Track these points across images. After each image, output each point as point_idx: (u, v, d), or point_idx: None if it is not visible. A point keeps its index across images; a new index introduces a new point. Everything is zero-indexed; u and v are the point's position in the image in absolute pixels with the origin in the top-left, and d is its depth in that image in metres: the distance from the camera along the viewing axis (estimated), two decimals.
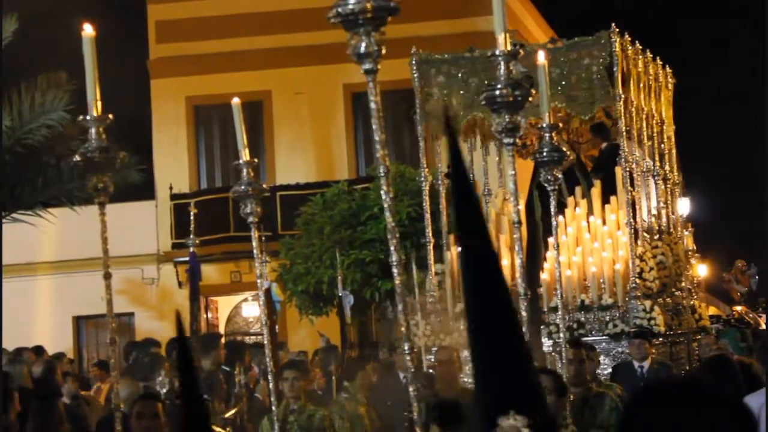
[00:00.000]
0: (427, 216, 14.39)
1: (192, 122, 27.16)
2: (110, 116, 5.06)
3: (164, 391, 10.46)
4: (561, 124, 13.64)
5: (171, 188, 25.86)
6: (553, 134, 6.71)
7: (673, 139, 16.18)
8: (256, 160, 6.18)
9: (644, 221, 14.49)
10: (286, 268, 21.41)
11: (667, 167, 15.70)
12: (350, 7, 3.56)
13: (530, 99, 5.28)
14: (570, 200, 14.23)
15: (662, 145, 15.65)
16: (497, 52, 4.97)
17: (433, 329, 13.71)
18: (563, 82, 13.79)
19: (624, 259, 13.62)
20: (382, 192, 3.62)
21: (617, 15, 14.52)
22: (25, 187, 21.28)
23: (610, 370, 12.55)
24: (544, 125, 6.65)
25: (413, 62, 14.49)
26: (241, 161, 6.00)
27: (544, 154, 6.65)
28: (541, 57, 6.76)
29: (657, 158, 15.33)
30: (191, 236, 11.33)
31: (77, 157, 5.02)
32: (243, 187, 5.95)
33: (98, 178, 4.99)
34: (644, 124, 14.84)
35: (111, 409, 6.15)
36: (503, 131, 5.11)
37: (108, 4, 22.65)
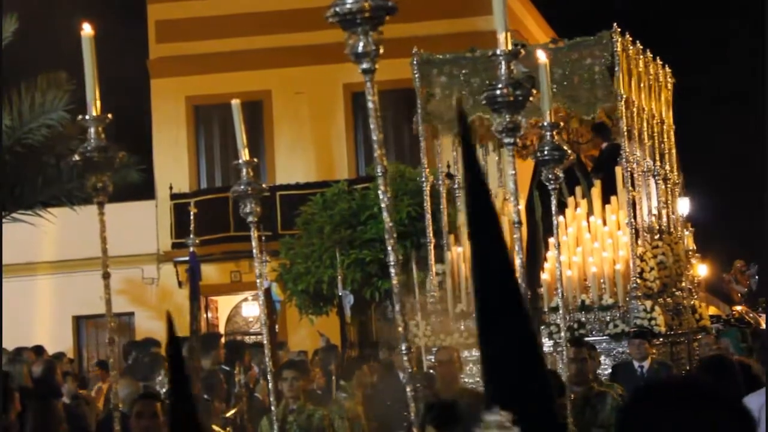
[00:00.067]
0: (428, 216, 14.39)
1: (192, 122, 27.16)
2: (109, 116, 5.05)
3: (164, 390, 10.45)
4: (562, 123, 13.63)
5: (171, 188, 25.87)
6: (554, 133, 6.71)
7: (673, 139, 16.18)
8: (255, 159, 6.18)
9: (644, 221, 14.49)
10: (286, 268, 21.41)
11: (667, 167, 15.70)
12: (348, 6, 3.55)
13: (531, 99, 5.28)
14: (570, 200, 14.22)
15: (662, 145, 15.65)
16: (498, 52, 4.96)
17: (433, 329, 13.71)
18: (565, 83, 13.79)
19: (624, 259, 13.61)
20: (379, 192, 3.61)
21: (617, 15, 14.52)
22: (25, 187, 21.28)
23: (610, 370, 12.55)
24: (545, 124, 6.64)
25: (414, 62, 14.49)
26: (240, 161, 6.00)
27: (545, 152, 6.64)
28: (542, 56, 6.75)
29: (657, 158, 15.33)
30: (191, 236, 11.32)
31: (76, 157, 5.02)
32: (242, 187, 5.95)
33: (97, 178, 4.98)
34: (645, 124, 14.84)
35: (110, 409, 6.15)
36: (504, 131, 5.10)
37: (108, 4, 22.64)
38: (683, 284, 14.91)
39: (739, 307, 23.24)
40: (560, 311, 8.26)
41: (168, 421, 2.37)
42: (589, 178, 14.90)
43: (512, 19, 21.67)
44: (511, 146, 5.27)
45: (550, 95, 6.64)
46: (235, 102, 6.13)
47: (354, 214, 20.97)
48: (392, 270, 3.58)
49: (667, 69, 15.93)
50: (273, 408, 6.52)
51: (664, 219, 15.22)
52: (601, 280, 13.52)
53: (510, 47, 5.00)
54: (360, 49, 3.59)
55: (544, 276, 13.61)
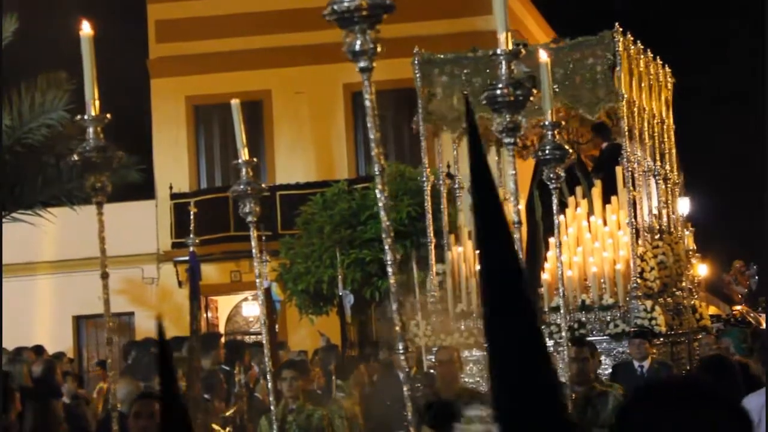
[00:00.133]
0: (429, 216, 14.38)
1: (192, 122, 27.16)
2: (108, 116, 5.05)
3: None
4: (563, 123, 13.62)
5: (171, 188, 25.87)
6: (555, 132, 6.70)
7: (673, 139, 16.18)
8: (255, 159, 6.18)
9: (645, 221, 14.48)
10: (286, 268, 21.41)
11: (667, 167, 15.70)
12: (346, 4, 3.55)
13: (531, 99, 5.27)
14: (571, 200, 14.22)
15: (663, 145, 15.65)
16: (498, 52, 4.96)
17: (433, 329, 13.70)
18: (566, 82, 13.78)
19: (625, 258, 13.61)
20: (377, 191, 3.61)
21: (617, 15, 14.52)
22: (25, 187, 21.27)
23: (610, 370, 12.55)
24: (547, 123, 6.64)
25: (416, 62, 14.48)
26: (240, 161, 6.00)
27: (547, 151, 6.64)
28: (544, 55, 6.75)
29: (657, 158, 15.33)
30: (191, 236, 11.30)
31: (75, 157, 5.01)
32: (242, 187, 5.95)
33: (96, 178, 4.98)
34: (645, 124, 14.83)
35: (109, 409, 6.14)
36: (504, 131, 5.10)
37: (108, 4, 22.64)
38: (683, 284, 14.90)
39: (739, 307, 23.22)
40: (561, 311, 8.25)
41: (159, 423, 2.35)
42: (590, 177, 14.89)
43: (512, 19, 21.63)
44: (512, 146, 5.27)
45: (551, 94, 6.64)
46: (235, 102, 6.13)
47: (354, 214, 20.97)
48: (390, 269, 3.58)
49: (667, 69, 15.93)
50: (272, 408, 6.52)
51: (665, 219, 15.22)
52: (602, 280, 13.51)
53: (511, 47, 5.00)
54: (357, 47, 3.58)
55: (545, 276, 13.60)
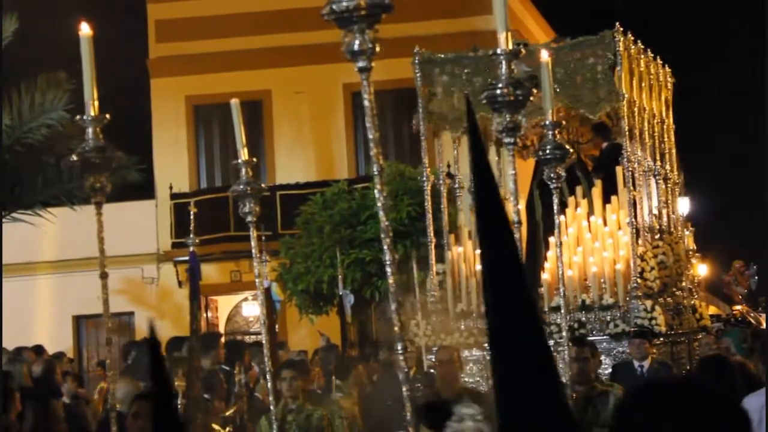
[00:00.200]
0: (429, 215, 14.38)
1: (192, 122, 27.16)
2: (107, 116, 5.04)
3: None
4: (564, 122, 13.62)
5: (171, 188, 25.86)
6: (556, 132, 6.70)
7: (673, 139, 16.18)
8: (255, 159, 6.18)
9: (645, 221, 14.48)
10: (286, 268, 21.41)
11: (667, 167, 15.70)
12: (344, 4, 3.54)
13: (531, 99, 5.27)
14: (571, 200, 14.21)
15: (663, 145, 15.65)
16: (498, 51, 4.95)
17: (433, 329, 13.70)
18: (567, 82, 13.77)
19: (625, 258, 13.60)
20: (375, 191, 3.60)
21: (617, 15, 14.52)
22: (25, 187, 21.27)
23: (610, 369, 12.54)
24: (547, 122, 6.64)
25: (416, 61, 14.47)
26: (239, 160, 6.00)
27: (547, 151, 6.64)
28: (545, 55, 6.75)
29: (657, 158, 15.33)
30: (191, 235, 11.29)
31: (74, 157, 5.01)
32: (242, 187, 5.95)
33: (95, 178, 4.97)
34: (646, 124, 14.83)
35: (108, 409, 6.14)
36: (504, 131, 5.10)
37: (108, 4, 22.65)
38: (683, 284, 14.90)
39: (739, 307, 23.21)
40: (562, 311, 8.24)
41: (152, 423, 2.35)
42: (590, 177, 14.89)
43: (512, 18, 21.63)
44: (511, 146, 5.27)
45: (552, 94, 6.64)
46: (234, 101, 6.13)
47: (354, 214, 20.97)
48: (389, 269, 3.58)
49: (667, 69, 15.92)
50: (272, 408, 6.51)
51: (665, 219, 15.22)
52: (602, 280, 13.51)
53: (511, 47, 5.00)
54: (356, 47, 3.58)
55: (545, 276, 13.60)
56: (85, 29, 4.99)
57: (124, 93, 23.81)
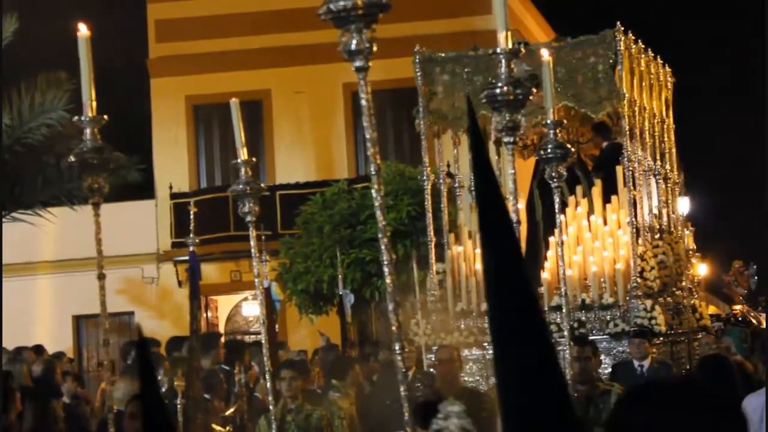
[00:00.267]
0: (429, 214, 14.37)
1: (192, 121, 27.15)
2: (105, 117, 5.04)
3: (163, 390, 10.44)
4: (566, 121, 13.62)
5: (171, 187, 25.86)
6: (557, 131, 6.70)
7: (673, 139, 16.18)
8: (254, 159, 6.18)
9: (645, 220, 14.48)
10: (286, 267, 21.41)
11: (668, 166, 15.70)
12: (341, 3, 3.54)
13: (531, 98, 5.27)
14: (571, 199, 14.21)
15: (663, 145, 15.65)
16: (498, 50, 4.96)
17: (433, 328, 13.70)
18: (568, 81, 13.77)
19: (625, 258, 13.60)
20: (373, 190, 3.60)
21: (617, 15, 14.50)
22: (25, 187, 21.28)
23: (610, 369, 12.55)
24: (548, 121, 6.64)
25: (416, 60, 14.46)
26: (239, 160, 6.00)
27: (549, 150, 6.64)
28: (546, 54, 6.75)
29: (658, 157, 15.33)
30: (191, 235, 11.28)
31: (72, 158, 5.00)
32: (241, 186, 5.95)
33: (93, 179, 4.97)
34: (646, 124, 14.83)
35: (111, 408, 6.14)
36: (503, 130, 5.10)
37: (108, 4, 22.65)
38: (683, 283, 14.90)
39: (739, 307, 23.21)
40: (563, 310, 8.24)
41: (141, 424, 2.34)
42: (590, 177, 14.89)
43: (512, 18, 21.63)
44: (511, 145, 5.27)
45: (553, 93, 6.64)
46: (234, 101, 6.13)
47: (354, 214, 20.97)
48: (386, 269, 3.57)
49: (668, 68, 15.92)
50: (271, 407, 6.51)
51: (665, 218, 15.22)
52: (602, 279, 13.51)
53: (511, 46, 5.00)
54: (353, 46, 3.58)
55: (545, 275, 13.60)
56: (83, 30, 4.98)
57: (124, 93, 23.83)
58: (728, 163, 36.68)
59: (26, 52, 20.96)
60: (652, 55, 15.22)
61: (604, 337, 13.16)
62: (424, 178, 14.49)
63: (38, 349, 15.90)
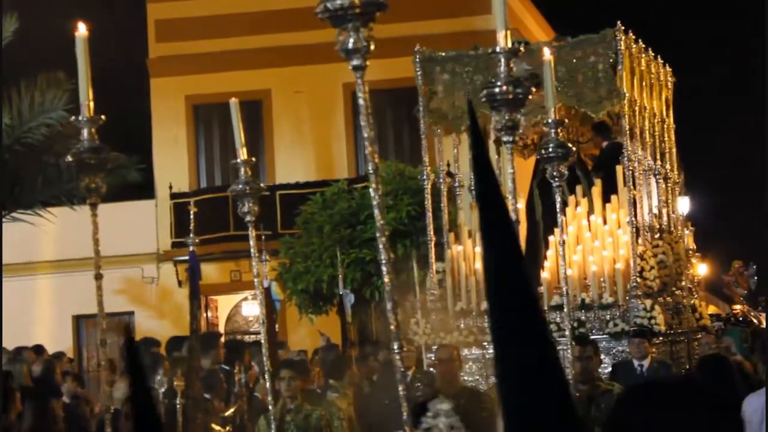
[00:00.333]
0: (429, 214, 14.38)
1: (192, 121, 27.15)
2: (103, 117, 5.03)
3: (162, 390, 10.44)
4: (567, 120, 13.63)
5: (171, 187, 25.86)
6: (557, 130, 6.70)
7: (673, 138, 16.18)
8: (254, 158, 6.18)
9: (645, 220, 14.48)
10: (286, 267, 21.41)
11: (668, 166, 15.70)
12: (338, 2, 3.54)
13: (531, 97, 5.27)
14: (571, 199, 14.21)
15: (663, 144, 15.65)
16: (498, 49, 4.96)
17: (433, 327, 13.70)
18: (568, 81, 13.77)
19: (625, 257, 13.60)
20: (371, 190, 3.60)
21: (617, 15, 14.49)
22: (25, 186, 21.27)
23: (610, 368, 12.55)
24: (550, 121, 6.64)
25: (417, 60, 14.46)
26: (238, 160, 6.00)
27: (550, 149, 6.64)
28: (547, 53, 6.75)
29: (658, 157, 15.32)
30: (191, 235, 11.29)
31: (69, 158, 5.00)
32: (240, 186, 5.95)
33: (90, 179, 4.96)
34: (646, 123, 14.83)
35: (109, 409, 6.14)
36: (503, 129, 5.10)
37: (108, 4, 22.65)
38: (683, 283, 14.89)
39: (739, 306, 23.20)
40: (565, 309, 8.24)
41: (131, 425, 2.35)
42: (590, 176, 14.88)
43: (512, 18, 21.65)
44: (510, 144, 5.27)
45: (554, 92, 6.64)
46: (233, 101, 6.13)
47: (354, 214, 20.97)
48: (384, 268, 3.57)
49: (668, 68, 15.92)
50: (270, 407, 6.51)
51: (665, 218, 15.21)
52: (601, 279, 13.51)
53: (510, 45, 5.00)
54: (350, 45, 3.57)
55: (544, 275, 13.60)
56: (81, 30, 4.98)
57: (124, 93, 23.82)
58: (728, 163, 36.69)
59: (26, 52, 20.96)
60: (653, 54, 15.21)
61: (604, 336, 13.16)
62: (424, 177, 14.49)
63: (38, 349, 15.89)
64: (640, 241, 13.93)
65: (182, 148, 26.99)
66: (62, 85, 21.17)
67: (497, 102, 5.03)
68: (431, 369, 11.48)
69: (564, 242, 7.95)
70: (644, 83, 14.80)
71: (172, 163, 26.63)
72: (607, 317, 13.28)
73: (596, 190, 14.20)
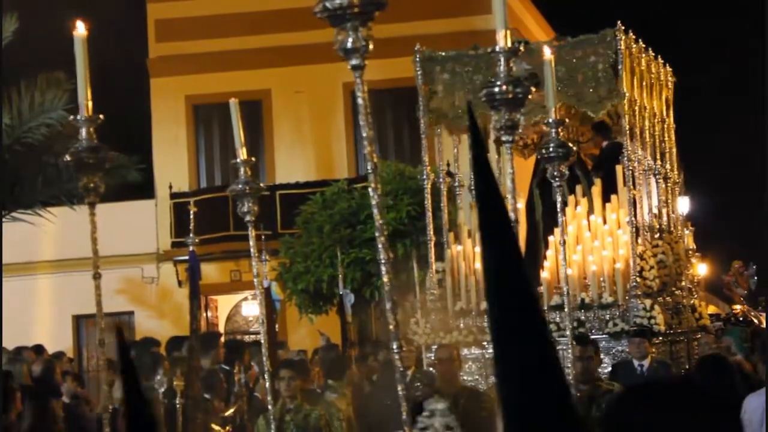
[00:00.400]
0: (429, 213, 14.38)
1: (191, 121, 27.16)
2: (101, 116, 5.03)
3: (162, 390, 10.45)
4: (568, 119, 13.63)
5: (171, 187, 25.86)
6: (558, 130, 6.70)
7: (673, 138, 16.18)
8: (253, 158, 6.18)
9: (645, 220, 14.47)
10: (286, 267, 21.41)
11: (668, 166, 15.69)
12: (337, 1, 3.54)
13: (530, 97, 5.27)
14: (571, 198, 14.20)
15: (663, 144, 15.64)
16: (497, 49, 4.96)
17: (433, 327, 13.70)
18: (568, 80, 13.76)
19: (624, 257, 13.60)
20: (370, 189, 3.60)
21: (617, 15, 14.49)
22: (25, 186, 21.28)
23: (609, 368, 12.54)
24: (550, 120, 6.64)
25: (417, 59, 14.46)
26: (238, 160, 6.00)
27: (551, 149, 6.64)
28: (548, 52, 6.75)
29: (658, 157, 15.32)
30: (191, 235, 11.30)
31: (68, 157, 5.01)
32: (240, 186, 5.95)
33: (88, 179, 4.96)
34: (646, 123, 14.82)
35: (107, 408, 6.14)
36: (502, 128, 5.10)
37: (108, 4, 22.63)
38: (683, 283, 14.89)
39: (739, 306, 23.20)
40: (566, 309, 8.23)
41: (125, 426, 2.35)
42: (590, 176, 14.88)
43: (512, 17, 21.64)
44: (510, 144, 5.27)
45: (555, 92, 6.64)
46: (233, 101, 6.13)
47: (354, 213, 20.97)
48: (383, 268, 3.57)
49: (668, 68, 15.91)
50: (270, 407, 6.51)
51: (665, 218, 15.21)
52: (601, 279, 13.50)
53: (510, 44, 5.00)
54: (349, 44, 3.57)
55: (544, 274, 13.60)
56: (79, 29, 4.98)
57: (124, 93, 23.82)
58: (728, 163, 36.69)
59: (26, 52, 20.96)
60: (653, 54, 15.21)
61: (604, 336, 13.16)
62: (424, 177, 14.49)
63: (38, 349, 15.89)
64: (639, 240, 13.92)
65: (182, 148, 27.00)
66: (62, 85, 21.17)
67: (497, 101, 5.04)
68: (431, 369, 11.48)
69: (565, 242, 7.95)
70: (644, 83, 14.79)
71: (172, 163, 26.63)
72: (607, 317, 13.28)
73: (596, 190, 14.20)
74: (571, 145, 9.62)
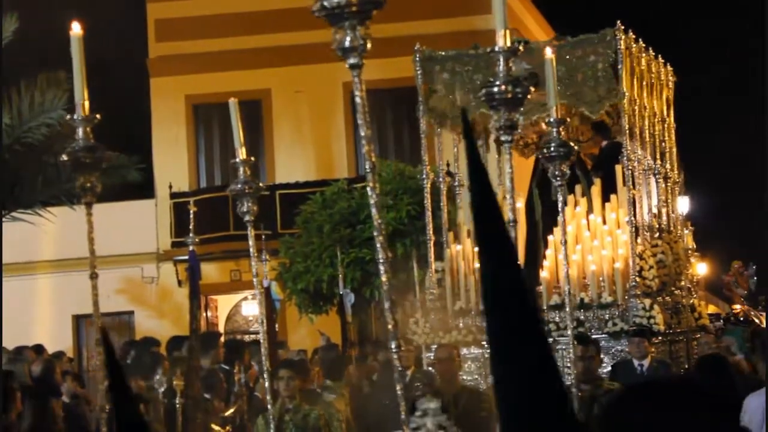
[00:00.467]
0: (428, 213, 14.38)
1: (191, 121, 27.16)
2: (98, 116, 5.03)
3: (162, 390, 10.45)
4: (568, 119, 13.63)
5: (170, 187, 25.86)
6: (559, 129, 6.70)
7: (673, 138, 16.17)
8: (253, 158, 6.19)
9: (644, 219, 14.47)
10: (286, 267, 21.41)
11: (668, 166, 15.69)
12: (335, 0, 3.54)
13: (529, 97, 5.27)
14: (570, 198, 14.20)
15: (663, 144, 15.64)
16: (497, 48, 4.96)
17: (432, 327, 13.70)
18: (568, 80, 13.76)
19: (624, 257, 13.59)
20: (368, 189, 3.60)
21: (617, 15, 14.49)
22: (25, 186, 21.28)
23: (609, 368, 12.54)
24: (551, 120, 6.64)
25: (417, 59, 14.46)
26: (237, 159, 6.00)
27: (552, 149, 6.64)
28: (549, 52, 6.75)
29: (658, 157, 15.32)
30: (191, 235, 11.30)
31: (65, 157, 5.00)
32: (240, 186, 5.96)
33: (85, 178, 4.96)
34: (646, 123, 14.82)
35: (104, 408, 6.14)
36: (501, 128, 5.10)
37: (108, 3, 22.63)
38: (682, 283, 14.89)
39: (738, 306, 23.21)
40: (567, 309, 8.23)
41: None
42: (589, 176, 14.87)
43: (512, 17, 21.62)
44: (509, 144, 5.27)
45: (556, 91, 6.64)
46: (233, 101, 6.13)
47: (353, 213, 20.97)
48: (381, 267, 3.57)
49: (669, 68, 15.91)
50: (269, 407, 6.51)
51: (664, 217, 15.21)
52: (601, 278, 13.50)
53: (510, 44, 5.00)
54: (347, 44, 3.57)
55: (543, 274, 13.60)
56: (75, 29, 4.97)
57: (124, 92, 23.83)
58: (728, 163, 36.70)
59: (26, 52, 20.95)
60: (653, 54, 15.21)
61: (603, 336, 13.16)
62: (424, 177, 14.49)
63: (38, 349, 15.90)
64: (639, 240, 13.92)
65: (182, 147, 27.00)
66: (62, 85, 21.16)
67: (496, 101, 5.04)
68: (430, 368, 11.48)
69: (566, 242, 7.95)
70: (644, 82, 14.79)
71: (172, 162, 26.64)
72: (606, 317, 13.27)
73: (595, 190, 14.20)
74: (572, 144, 9.62)
